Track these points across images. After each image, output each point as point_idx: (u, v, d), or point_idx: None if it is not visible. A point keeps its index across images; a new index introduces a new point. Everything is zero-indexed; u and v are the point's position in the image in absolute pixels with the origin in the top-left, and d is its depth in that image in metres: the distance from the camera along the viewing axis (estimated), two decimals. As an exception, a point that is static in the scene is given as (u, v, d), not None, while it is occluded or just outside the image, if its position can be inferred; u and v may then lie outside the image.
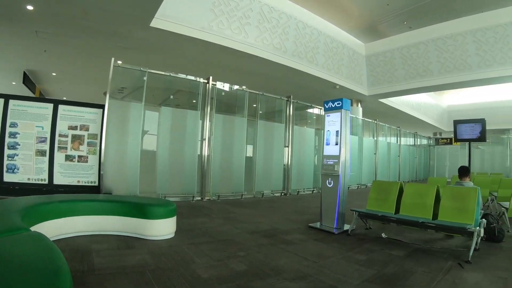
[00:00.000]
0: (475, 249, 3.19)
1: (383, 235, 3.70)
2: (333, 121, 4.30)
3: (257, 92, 7.15)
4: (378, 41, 11.36)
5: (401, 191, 3.95)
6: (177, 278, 2.22)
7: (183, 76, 6.14)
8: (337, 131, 4.21)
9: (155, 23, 6.05)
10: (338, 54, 10.24)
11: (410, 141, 16.06)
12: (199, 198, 6.15)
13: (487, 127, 13.82)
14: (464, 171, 4.11)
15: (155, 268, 2.37)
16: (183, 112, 6.26)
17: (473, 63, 9.40)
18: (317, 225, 4.23)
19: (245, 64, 8.52)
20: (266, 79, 9.88)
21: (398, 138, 13.51)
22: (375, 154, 10.97)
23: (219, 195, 6.37)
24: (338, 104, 4.27)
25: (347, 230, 3.92)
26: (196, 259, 2.64)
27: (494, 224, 3.73)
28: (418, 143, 16.70)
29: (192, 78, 6.18)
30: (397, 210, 3.88)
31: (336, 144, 4.17)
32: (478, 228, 3.06)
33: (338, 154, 4.08)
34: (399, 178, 12.93)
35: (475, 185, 5.53)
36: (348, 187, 8.69)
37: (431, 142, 18.39)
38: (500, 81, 10.27)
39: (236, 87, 6.90)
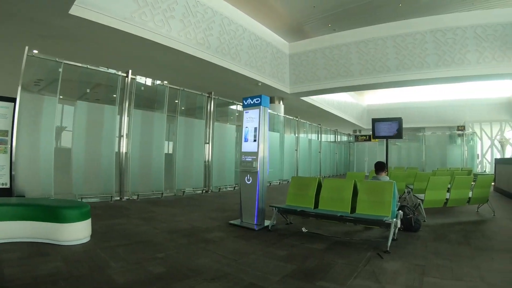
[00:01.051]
0: (393, 239, 3.78)
1: (304, 229, 4.21)
2: (251, 117, 4.80)
3: (178, 88, 7.81)
4: (302, 41, 13.22)
5: (320, 186, 4.58)
6: (91, 285, 2.37)
7: (101, 68, 6.42)
8: (255, 128, 4.71)
9: (75, 10, 6.16)
10: (262, 52, 11.64)
11: (331, 137, 18.94)
12: (118, 198, 6.58)
13: (404, 125, 17.75)
14: (380, 167, 4.95)
15: (68, 277, 2.47)
16: (100, 107, 6.57)
17: (392, 66, 11.68)
18: (238, 222, 4.69)
19: (167, 58, 9.14)
20: (188, 74, 10.65)
21: (319, 135, 15.93)
22: (296, 150, 12.84)
23: (138, 194, 6.88)
24: (257, 101, 4.79)
25: (267, 226, 4.41)
26: (112, 264, 2.81)
27: (411, 215, 4.50)
28: (339, 140, 19.77)
29: (111, 71, 6.54)
30: (316, 205, 4.46)
31: (255, 140, 4.67)
32: (395, 219, 3.69)
33: (256, 150, 4.61)
34: (320, 173, 15.37)
35: (392, 179, 7.19)
36: (270, 183, 10.77)
37: (351, 138, 21.70)
38: (417, 83, 12.94)
39: (157, 82, 7.46)
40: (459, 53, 10.79)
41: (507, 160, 11.68)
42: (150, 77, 7.37)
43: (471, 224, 5.39)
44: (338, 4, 11.19)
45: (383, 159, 9.76)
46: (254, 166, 4.61)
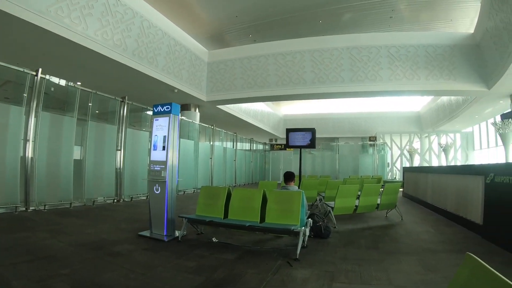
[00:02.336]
0: (303, 247, 4.35)
1: (214, 239, 4.68)
2: (161, 125, 5.16)
3: (90, 90, 8.23)
4: (222, 49, 14.81)
5: (229, 196, 5.04)
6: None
7: (7, 65, 6.39)
8: (164, 136, 5.07)
9: (-16, -2, 6.29)
10: (180, 58, 12.76)
11: (247, 146, 21.08)
12: (24, 209, 6.70)
13: (319, 135, 21.04)
14: (289, 176, 5.58)
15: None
16: (5, 108, 6.68)
17: (308, 79, 13.79)
18: (147, 233, 5.01)
19: (81, 58, 9.53)
20: (103, 77, 11.15)
21: (235, 143, 17.77)
22: (211, 158, 14.26)
23: (45, 204, 7.10)
24: (167, 108, 5.17)
25: (178, 237, 4.80)
26: (13, 282, 2.91)
27: (320, 223, 5.19)
28: (254, 148, 22.11)
29: (19, 68, 6.63)
30: (226, 215, 4.92)
31: (164, 149, 5.04)
32: (303, 228, 4.22)
33: (165, 159, 4.99)
34: (235, 181, 17.16)
35: (304, 187, 8.38)
36: (184, 192, 12.08)
37: (267, 147, 24.48)
38: (332, 96, 15.36)
39: (69, 83, 7.83)
40: (372, 70, 13.27)
41: (414, 168, 14.75)
42: (62, 77, 7.66)
43: (380, 229, 6.36)
44: (260, 16, 13.07)
45: (297, 167, 11.54)
46: (162, 175, 4.99)
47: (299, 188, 9.04)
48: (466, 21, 15.64)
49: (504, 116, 13.45)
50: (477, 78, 12.64)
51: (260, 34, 15.22)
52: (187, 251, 4.26)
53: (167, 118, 5.15)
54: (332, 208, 6.50)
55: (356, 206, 6.81)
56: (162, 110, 5.24)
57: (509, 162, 11.15)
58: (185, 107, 15.00)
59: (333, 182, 9.39)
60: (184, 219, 4.87)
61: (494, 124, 13.06)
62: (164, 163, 5.03)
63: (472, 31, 13.21)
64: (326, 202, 7.41)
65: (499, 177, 5.23)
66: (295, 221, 4.42)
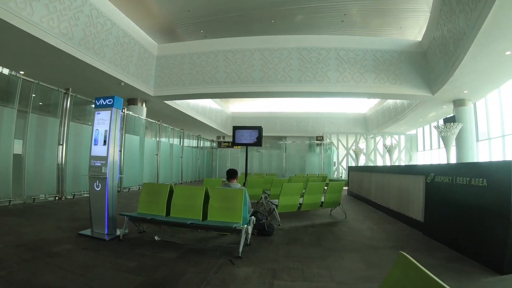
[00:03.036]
0: (246, 245, 4.63)
1: (156, 238, 4.86)
2: (102, 119, 5.19)
3: (32, 80, 8.14)
4: (171, 43, 15.24)
5: (172, 193, 5.24)
6: None
7: None
8: (106, 131, 5.12)
9: None
10: (129, 50, 13.03)
11: (194, 143, 21.84)
12: None
13: (267, 134, 21.87)
14: (231, 174, 5.78)
15: None
16: None
17: (257, 77, 14.61)
18: (88, 232, 5.06)
19: (25, 45, 9.52)
20: (47, 66, 11.16)
21: (182, 139, 18.23)
22: (157, 155, 14.64)
23: None
24: (109, 101, 5.19)
25: (119, 236, 4.90)
26: None
27: (263, 220, 5.53)
28: (202, 145, 22.77)
29: None
30: (168, 212, 5.08)
31: (104, 144, 5.10)
32: (246, 225, 4.48)
33: (106, 155, 5.03)
34: (182, 178, 17.69)
35: (249, 185, 8.86)
36: (129, 189, 12.41)
37: (214, 144, 25.18)
38: (280, 95, 16.38)
39: (7, 71, 7.62)
40: (321, 71, 14.44)
41: (359, 167, 15.97)
42: (3, 65, 7.60)
43: (324, 226, 6.80)
44: (212, 12, 13.70)
45: (244, 165, 12.33)
46: (103, 171, 5.03)
47: (244, 186, 9.43)
48: (415, 29, 17.56)
49: (447, 120, 15.31)
50: (422, 83, 14.33)
51: (212, 30, 15.92)
52: (128, 250, 4.40)
53: (109, 112, 5.19)
54: (277, 206, 6.95)
55: (300, 204, 7.32)
56: (104, 103, 5.26)
57: (448, 163, 12.83)
58: (132, 102, 15.29)
59: (278, 180, 9.88)
60: (125, 217, 4.96)
61: (437, 127, 14.75)
62: (105, 158, 5.06)
63: (420, 39, 14.84)
64: (270, 200, 7.84)
65: (439, 177, 5.91)
66: (238, 219, 4.65)
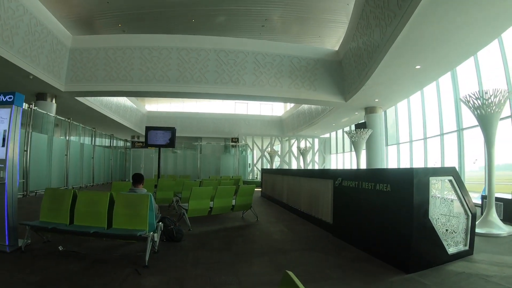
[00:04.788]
0: (154, 252, 4.89)
1: (60, 248, 4.86)
2: (1, 118, 5.04)
3: None
4: (87, 36, 15.62)
5: (76, 199, 5.23)
6: None
7: None
8: (4, 131, 4.97)
9: None
10: (41, 40, 12.94)
11: (106, 142, 22.55)
12: None
13: (183, 134, 22.67)
14: (137, 179, 5.92)
15: None
16: None
17: (172, 77, 15.44)
18: None
19: None
20: None
21: (93, 139, 18.91)
22: (66, 155, 14.98)
23: None
24: (9, 98, 5.05)
25: (21, 247, 4.85)
26: None
27: (172, 226, 5.86)
28: (115, 145, 23.60)
29: None
30: (72, 220, 5.09)
31: (3, 146, 4.94)
32: (151, 233, 4.69)
33: (4, 158, 4.89)
34: (93, 180, 18.25)
35: (160, 188, 9.47)
36: (36, 193, 12.57)
37: (128, 144, 25.93)
38: (195, 96, 17.63)
39: None
40: (237, 73, 15.66)
41: (271, 170, 17.40)
42: None
43: (235, 230, 7.32)
44: (132, 6, 14.44)
45: (160, 164, 13.35)
46: (1, 176, 4.89)
47: (156, 188, 10.45)
48: (333, 39, 19.83)
49: (358, 126, 17.48)
50: (336, 90, 16.34)
51: (130, 25, 16.66)
52: (31, 262, 4.42)
53: (8, 110, 5.06)
54: (186, 210, 7.38)
55: (211, 207, 7.78)
56: (4, 100, 5.12)
57: (355, 169, 14.77)
58: (41, 97, 15.30)
59: (190, 183, 10.52)
60: (27, 226, 4.93)
61: (348, 133, 16.52)
62: (4, 162, 4.91)
63: (337, 48, 16.81)
64: (181, 204, 8.33)
65: (346, 182, 6.61)
66: (143, 226, 4.78)
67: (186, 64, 15.79)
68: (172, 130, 15.48)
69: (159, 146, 15.44)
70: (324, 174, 8.55)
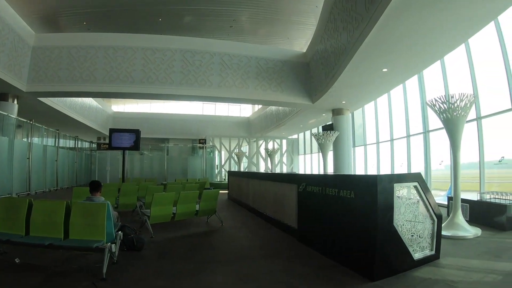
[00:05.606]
0: (114, 263, 4.84)
1: (17, 260, 4.84)
2: None
3: None
4: (50, 34, 15.56)
5: (32, 209, 5.17)
6: None
7: None
8: None
9: None
10: (1, 38, 12.75)
11: (71, 144, 22.68)
12: None
13: (150, 136, 22.50)
14: (94, 186, 5.82)
15: None
16: None
17: (137, 78, 15.44)
18: None
19: None
20: None
21: (57, 141, 18.92)
22: (28, 158, 14.83)
23: None
24: None
25: None
26: None
27: (132, 235, 5.83)
28: (80, 147, 23.60)
29: None
30: (28, 231, 5.04)
31: None
32: (109, 243, 4.64)
33: None
34: (57, 184, 18.20)
35: (124, 193, 9.51)
36: None
37: (93, 146, 26.00)
38: (160, 97, 17.72)
39: None
40: (203, 74, 15.81)
41: (237, 173, 17.61)
42: None
43: (199, 236, 7.41)
44: (98, 4, 14.53)
45: (124, 169, 13.97)
46: None
47: (119, 193, 10.53)
48: (302, 41, 20.41)
49: (325, 128, 18.08)
50: (304, 92, 16.83)
51: (96, 24, 16.69)
52: None
53: None
54: (148, 217, 7.39)
55: (174, 213, 7.85)
56: None
57: (319, 174, 15.57)
58: (2, 97, 15.13)
59: (153, 188, 10.49)
60: None
61: (315, 135, 16.95)
62: None
63: (305, 50, 17.23)
64: (142, 210, 8.41)
65: (310, 187, 6.72)
66: (101, 236, 4.73)
67: (151, 65, 15.79)
68: (136, 132, 15.47)
69: (123, 149, 15.37)
70: (289, 178, 8.74)
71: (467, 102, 7.68)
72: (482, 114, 11.41)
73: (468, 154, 12.11)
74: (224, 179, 26.85)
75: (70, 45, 15.51)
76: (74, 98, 21.24)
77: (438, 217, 5.75)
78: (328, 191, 6.04)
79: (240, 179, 14.36)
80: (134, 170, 25.07)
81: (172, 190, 9.48)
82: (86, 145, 26.12)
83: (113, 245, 4.88)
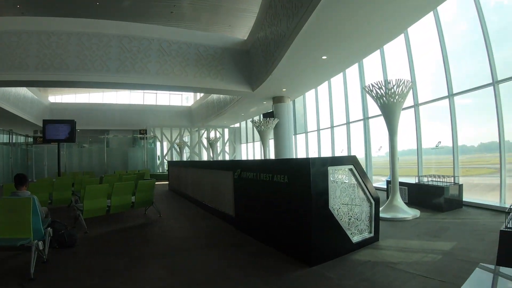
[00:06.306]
0: (43, 262, 4.78)
1: None
2: None
3: None
4: None
5: None
6: None
7: None
8: None
9: None
10: None
11: (5, 139, 22.15)
12: None
13: (90, 127, 22.42)
14: (20, 180, 5.57)
15: None
16: None
17: (72, 65, 14.98)
18: None
19: None
20: None
21: None
22: None
23: None
24: None
25: None
26: None
27: (63, 231, 5.75)
28: (15, 142, 23.12)
29: None
30: None
31: None
32: (37, 241, 4.52)
33: None
34: None
35: (57, 187, 9.33)
36: None
37: (29, 140, 25.49)
38: (96, 86, 17.17)
39: None
40: (141, 61, 15.58)
41: (176, 162, 17.90)
42: None
43: (136, 229, 7.41)
44: None
45: (63, 162, 13.92)
46: None
47: (53, 188, 10.29)
48: (244, 29, 20.79)
49: (265, 116, 18.57)
50: (244, 80, 17.17)
51: (30, 7, 16.24)
52: None
53: None
54: (82, 211, 7.26)
55: (109, 206, 7.80)
56: None
57: (252, 160, 16.07)
58: None
59: (89, 181, 10.50)
60: None
61: (254, 122, 17.66)
62: None
63: (246, 38, 17.45)
64: (76, 205, 8.19)
65: (245, 173, 6.81)
66: (26, 233, 4.58)
67: (86, 51, 15.29)
68: (71, 123, 15.11)
69: (58, 141, 15.07)
70: (225, 165, 8.89)
71: (404, 88, 8.13)
72: (420, 101, 12.28)
73: (408, 141, 12.95)
74: (166, 170, 27.28)
75: (1, 30, 14.86)
76: (7, 89, 20.50)
77: (376, 200, 5.94)
78: (263, 177, 6.10)
79: (180, 169, 14.60)
80: (73, 164, 24.89)
81: (108, 182, 9.47)
82: (22, 139, 25.58)
83: (40, 243, 4.77)
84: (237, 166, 7.41)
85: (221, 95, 24.11)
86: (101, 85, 16.89)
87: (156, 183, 9.36)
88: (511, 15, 9.41)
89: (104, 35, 15.58)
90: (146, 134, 27.97)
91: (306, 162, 4.93)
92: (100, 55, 15.41)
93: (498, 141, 9.01)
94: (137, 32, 16.11)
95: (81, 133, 26.28)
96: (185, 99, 36.91)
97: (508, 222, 3.83)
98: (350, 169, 5.54)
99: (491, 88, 9.16)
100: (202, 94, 29.48)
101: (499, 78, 8.99)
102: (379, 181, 15.01)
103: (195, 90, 19.97)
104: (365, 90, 8.82)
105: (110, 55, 15.51)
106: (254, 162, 9.08)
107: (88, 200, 7.37)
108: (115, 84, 16.32)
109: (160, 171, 27.82)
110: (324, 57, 12.28)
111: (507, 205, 5.85)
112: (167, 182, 17.44)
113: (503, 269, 1.97)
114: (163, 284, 4.23)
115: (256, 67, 16.44)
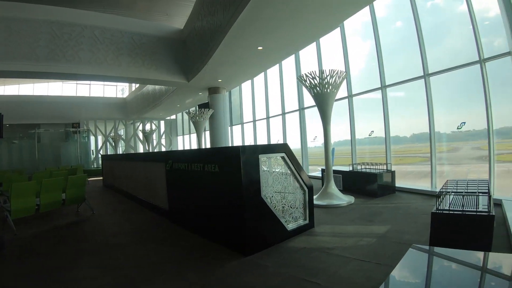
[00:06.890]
0: None
1: None
2: None
3: None
4: None
5: None
6: None
7: None
8: None
9: None
10: None
11: None
12: None
13: (18, 121, 21.54)
14: None
15: None
16: None
17: None
18: None
19: None
20: None
21: None
22: None
23: None
24: None
25: None
26: None
27: None
28: None
29: None
30: None
31: None
32: None
33: None
34: None
35: None
36: None
37: None
38: (25, 76, 16.00)
39: None
40: (72, 49, 15.00)
41: (110, 156, 17.71)
42: None
43: (68, 228, 7.30)
44: None
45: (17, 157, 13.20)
46: None
47: None
48: (182, 18, 20.49)
49: (200, 106, 19.14)
50: (179, 70, 17.27)
51: None
52: None
53: None
54: (9, 211, 7.03)
55: (38, 205, 7.59)
56: None
57: (183, 150, 16.36)
58: None
59: (18, 179, 10.34)
60: None
61: (188, 113, 17.96)
62: None
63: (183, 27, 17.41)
64: (4, 205, 7.98)
65: (176, 164, 6.81)
66: None
67: (15, 37, 14.31)
68: None
69: None
70: (157, 157, 8.83)
71: (337, 78, 8.53)
72: (354, 93, 13.19)
73: (343, 132, 13.81)
74: (101, 164, 27.30)
75: None
76: None
77: (309, 187, 6.12)
78: (194, 167, 6.13)
79: (114, 163, 14.54)
80: (2, 161, 24.04)
81: (37, 180, 9.02)
82: None
83: None
84: (168, 157, 7.45)
85: (157, 86, 24.00)
86: (30, 74, 15.82)
87: (90, 179, 9.56)
88: (444, 15, 10.31)
89: (34, 20, 14.61)
90: (79, 127, 27.31)
91: (236, 150, 4.95)
92: (30, 42, 14.47)
93: (428, 131, 9.95)
94: (69, 17, 15.38)
95: (11, 128, 25.35)
96: (121, 90, 36.07)
97: (439, 205, 4.16)
98: (282, 157, 5.69)
99: (423, 80, 10.07)
100: (137, 85, 29.12)
101: (430, 71, 9.94)
102: (316, 171, 15.85)
103: (129, 80, 19.54)
104: (299, 80, 9.18)
105: (40, 42, 14.65)
106: (185, 152, 9.27)
107: (15, 199, 7.14)
108: (44, 73, 15.47)
109: (95, 166, 27.20)
110: (260, 48, 12.52)
111: (438, 190, 6.11)
112: (102, 178, 17.16)
113: (437, 249, 2.17)
114: (96, 283, 4.24)
115: (192, 57, 16.53)
